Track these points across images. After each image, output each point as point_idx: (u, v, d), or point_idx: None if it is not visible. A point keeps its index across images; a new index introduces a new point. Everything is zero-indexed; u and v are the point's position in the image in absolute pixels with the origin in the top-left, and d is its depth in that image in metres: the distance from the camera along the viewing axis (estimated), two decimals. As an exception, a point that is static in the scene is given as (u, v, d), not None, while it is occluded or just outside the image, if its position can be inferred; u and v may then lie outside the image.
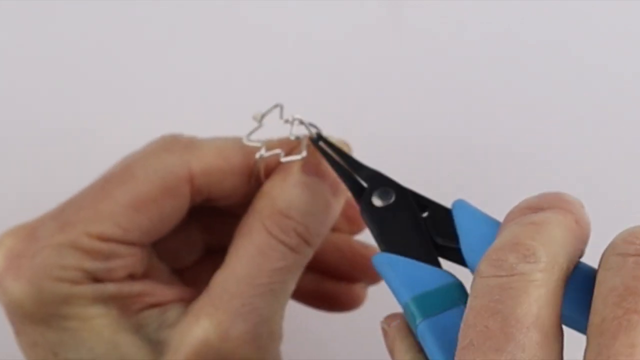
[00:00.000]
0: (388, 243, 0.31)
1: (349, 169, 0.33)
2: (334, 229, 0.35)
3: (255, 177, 0.33)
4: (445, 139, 0.43)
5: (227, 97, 0.43)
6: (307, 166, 0.32)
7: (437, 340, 0.28)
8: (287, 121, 0.32)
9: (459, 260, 0.30)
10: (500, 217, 0.29)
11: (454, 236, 0.31)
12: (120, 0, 0.43)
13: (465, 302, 0.27)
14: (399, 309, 0.30)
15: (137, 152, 0.32)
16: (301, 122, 0.33)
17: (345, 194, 0.33)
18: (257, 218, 0.31)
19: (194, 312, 0.30)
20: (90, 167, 0.34)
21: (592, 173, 0.43)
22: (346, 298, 0.37)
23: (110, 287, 0.30)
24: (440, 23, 0.44)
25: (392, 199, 0.32)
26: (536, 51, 0.43)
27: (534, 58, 0.44)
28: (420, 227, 0.31)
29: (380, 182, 0.32)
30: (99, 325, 0.30)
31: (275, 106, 0.33)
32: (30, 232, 0.31)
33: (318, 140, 0.33)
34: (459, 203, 0.31)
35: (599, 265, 0.25)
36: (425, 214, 0.32)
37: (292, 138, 0.33)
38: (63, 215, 0.31)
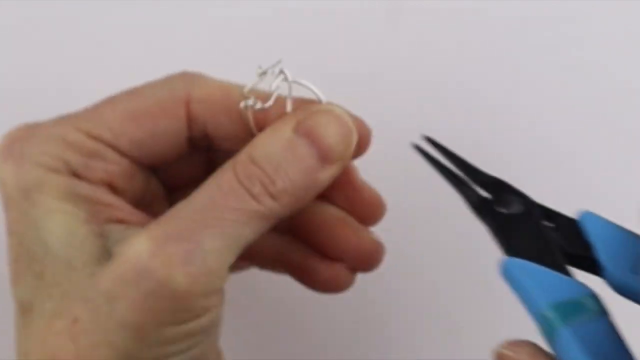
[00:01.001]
0: (516, 250, 0.31)
1: (462, 174, 0.34)
2: (331, 201, 0.35)
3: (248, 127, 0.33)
4: (444, 138, 0.43)
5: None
6: (302, 127, 0.31)
7: (583, 346, 0.28)
8: (263, 73, 0.32)
9: (591, 269, 0.31)
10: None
11: (586, 245, 0.31)
12: None
13: (604, 314, 0.28)
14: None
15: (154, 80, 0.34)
16: (282, 72, 0.32)
17: (339, 168, 0.32)
18: (231, 161, 0.31)
19: (140, 231, 0.30)
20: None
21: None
22: (328, 277, 0.36)
23: (83, 186, 0.31)
24: (440, 22, 0.44)
25: (517, 208, 0.32)
26: (536, 50, 0.43)
27: (534, 57, 0.44)
28: (548, 236, 0.32)
29: (502, 189, 0.33)
30: (62, 221, 0.31)
31: (279, 62, 0.32)
32: (31, 124, 0.32)
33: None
34: (587, 214, 0.32)
35: None
36: (551, 224, 0.32)
37: (274, 88, 0.32)
38: (65, 115, 0.33)
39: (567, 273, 0.31)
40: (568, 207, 0.33)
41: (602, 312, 0.29)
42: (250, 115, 0.33)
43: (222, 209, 0.30)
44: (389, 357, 0.44)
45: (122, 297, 0.29)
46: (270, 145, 0.31)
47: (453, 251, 0.43)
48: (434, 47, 0.44)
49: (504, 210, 0.32)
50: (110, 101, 0.33)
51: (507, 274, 0.31)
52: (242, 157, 0.31)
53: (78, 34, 0.44)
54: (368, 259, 0.36)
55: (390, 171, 0.43)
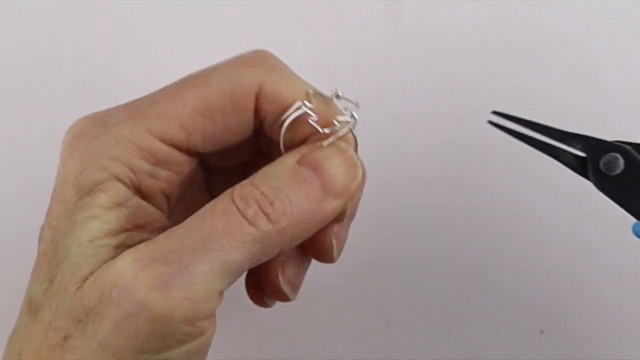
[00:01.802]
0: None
1: (546, 138, 0.32)
2: None
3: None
4: (445, 138, 0.43)
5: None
6: (306, 158, 0.31)
7: None
8: (336, 97, 0.32)
9: None
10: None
11: None
12: None
13: None
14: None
15: (222, 62, 0.32)
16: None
17: (344, 201, 0.31)
18: (231, 189, 0.30)
19: (130, 251, 0.29)
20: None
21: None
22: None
23: (136, 200, 0.30)
24: (439, 22, 0.44)
25: (621, 164, 0.31)
26: (537, 50, 0.43)
27: (535, 57, 0.44)
28: None
29: (599, 147, 0.32)
30: (92, 228, 0.29)
31: (357, 105, 0.32)
32: (100, 117, 0.31)
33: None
34: None
35: None
36: None
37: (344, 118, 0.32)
38: (135, 105, 0.31)
39: None
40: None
41: None
42: (282, 133, 0.32)
43: (212, 232, 0.29)
44: (389, 357, 0.44)
45: (104, 317, 0.28)
46: (272, 171, 0.30)
47: (453, 251, 0.43)
48: (434, 47, 0.43)
49: (611, 172, 0.31)
50: (180, 92, 0.31)
51: None
52: (243, 182, 0.30)
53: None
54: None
55: (392, 171, 0.43)
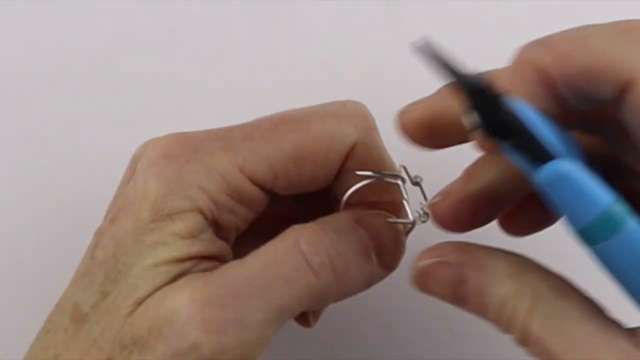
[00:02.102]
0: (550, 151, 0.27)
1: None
2: None
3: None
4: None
5: (224, 98, 0.43)
6: (362, 220, 0.31)
7: None
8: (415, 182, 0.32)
9: None
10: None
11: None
12: None
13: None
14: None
15: (321, 106, 0.32)
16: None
17: (385, 273, 0.32)
18: (295, 228, 0.30)
19: (188, 280, 0.29)
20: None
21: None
22: None
23: (208, 234, 0.30)
24: (440, 22, 0.44)
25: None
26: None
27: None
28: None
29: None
30: (158, 254, 0.29)
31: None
32: (192, 140, 0.31)
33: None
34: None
35: None
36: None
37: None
38: (229, 136, 0.31)
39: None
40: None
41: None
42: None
43: (272, 279, 0.29)
44: (389, 356, 0.44)
45: (152, 350, 0.28)
46: (332, 224, 0.31)
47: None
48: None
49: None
50: (277, 133, 0.31)
51: (563, 178, 0.27)
52: (307, 225, 0.30)
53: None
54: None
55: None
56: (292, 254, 0.30)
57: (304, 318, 0.35)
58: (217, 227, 0.31)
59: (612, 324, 0.26)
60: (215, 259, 0.31)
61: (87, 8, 0.44)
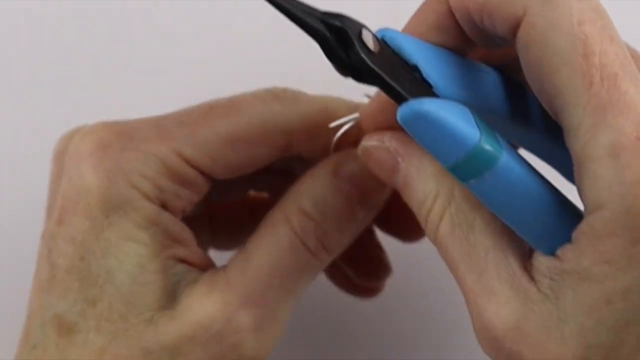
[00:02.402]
0: (407, 90, 0.26)
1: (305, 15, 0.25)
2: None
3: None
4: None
5: (223, 92, 0.43)
6: (340, 170, 0.31)
7: (523, 166, 0.26)
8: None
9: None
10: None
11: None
12: None
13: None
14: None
15: (247, 94, 0.32)
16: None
17: (378, 208, 0.32)
18: (282, 213, 0.31)
19: (208, 283, 0.30)
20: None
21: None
22: (365, 289, 0.38)
23: (166, 217, 0.30)
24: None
25: (374, 42, 0.26)
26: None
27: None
28: (402, 61, 0.27)
29: (353, 24, 0.26)
30: (134, 252, 0.29)
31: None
32: (125, 129, 0.30)
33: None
34: (386, 31, 0.27)
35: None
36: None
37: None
38: (163, 123, 0.31)
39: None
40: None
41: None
42: (334, 139, 0.32)
43: (287, 270, 0.30)
44: (389, 357, 0.44)
45: (188, 354, 0.29)
46: (316, 194, 0.31)
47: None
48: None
49: (368, 44, 0.26)
50: (209, 118, 0.31)
51: (424, 120, 0.25)
52: (292, 207, 0.31)
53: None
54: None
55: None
56: (295, 244, 0.30)
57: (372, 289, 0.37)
58: (165, 209, 0.31)
59: (518, 248, 0.26)
60: (185, 242, 0.31)
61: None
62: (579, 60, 0.23)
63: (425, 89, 0.27)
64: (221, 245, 0.38)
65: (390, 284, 0.41)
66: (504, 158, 0.25)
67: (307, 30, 0.25)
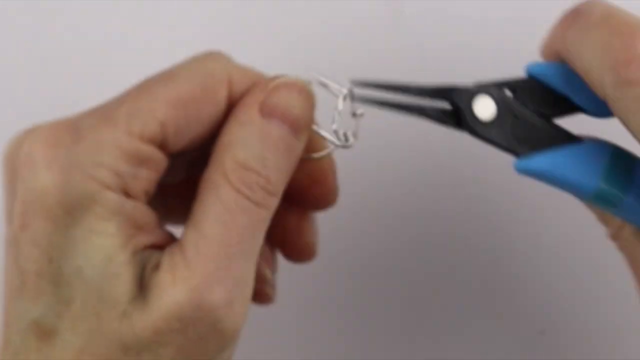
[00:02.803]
0: (526, 145, 0.31)
1: (412, 99, 0.32)
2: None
3: None
4: (443, 138, 0.43)
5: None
6: (267, 108, 0.31)
7: None
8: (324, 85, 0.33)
9: (570, 112, 0.31)
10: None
11: (556, 96, 0.31)
12: None
13: (630, 159, 0.29)
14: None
15: (180, 61, 0.31)
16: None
17: (307, 130, 0.32)
18: (220, 171, 0.30)
19: (170, 272, 0.29)
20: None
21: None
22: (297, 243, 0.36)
23: (128, 204, 0.29)
24: (440, 21, 0.44)
25: (493, 106, 0.31)
26: (537, 50, 0.43)
27: (535, 56, 0.44)
28: (529, 115, 0.31)
29: (466, 95, 0.32)
30: (101, 245, 0.28)
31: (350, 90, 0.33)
32: (70, 124, 0.29)
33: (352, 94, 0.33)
34: (534, 65, 0.32)
35: None
36: (510, 94, 0.31)
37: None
38: (104, 108, 0.30)
39: (573, 137, 0.31)
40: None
41: (628, 154, 0.30)
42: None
43: (241, 232, 0.29)
44: (389, 357, 0.44)
45: (167, 345, 0.28)
46: (248, 140, 0.30)
47: (452, 251, 0.43)
48: (434, 47, 0.44)
49: (485, 117, 0.31)
50: (147, 88, 0.30)
51: (538, 174, 0.30)
52: (228, 163, 0.30)
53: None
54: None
55: (390, 170, 0.43)
56: (240, 201, 0.30)
57: (264, 295, 0.36)
58: (127, 196, 0.30)
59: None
60: (149, 227, 0.30)
61: None
62: None
63: (560, 131, 0.31)
64: (177, 221, 0.38)
65: (390, 284, 0.41)
66: (629, 199, 0.29)
67: (423, 116, 0.31)
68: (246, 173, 0.30)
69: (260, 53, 0.44)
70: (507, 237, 0.43)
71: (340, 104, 0.33)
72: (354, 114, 0.33)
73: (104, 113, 0.30)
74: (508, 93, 0.31)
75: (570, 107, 0.31)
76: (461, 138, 0.43)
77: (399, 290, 0.44)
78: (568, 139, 0.31)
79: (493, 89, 0.31)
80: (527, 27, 0.44)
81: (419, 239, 0.44)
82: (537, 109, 0.31)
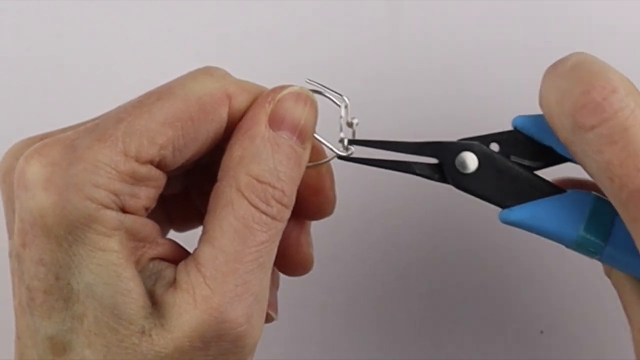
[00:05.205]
0: (508, 197, 0.32)
1: (400, 155, 0.33)
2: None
3: None
4: (443, 138, 0.43)
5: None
6: (274, 119, 0.31)
7: (629, 250, 0.29)
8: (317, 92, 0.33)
9: (553, 162, 0.32)
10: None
11: (540, 147, 0.32)
12: None
13: (611, 208, 0.29)
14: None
15: (175, 78, 0.31)
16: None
17: (312, 140, 0.32)
18: (234, 187, 0.30)
19: (189, 291, 0.29)
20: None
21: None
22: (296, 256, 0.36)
23: (129, 220, 0.29)
24: (440, 20, 0.44)
25: (474, 160, 0.32)
26: (536, 50, 0.43)
27: (535, 57, 0.44)
28: (513, 167, 0.32)
29: (448, 150, 0.33)
30: (107, 262, 0.29)
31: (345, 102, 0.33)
32: (67, 143, 0.29)
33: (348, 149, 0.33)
34: (519, 119, 0.32)
35: None
36: (497, 147, 0.32)
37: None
38: (101, 126, 0.30)
39: (556, 188, 0.32)
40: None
41: (609, 203, 0.30)
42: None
43: (257, 247, 0.30)
44: (389, 357, 0.44)
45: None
46: (260, 154, 0.30)
47: (452, 251, 0.43)
48: (435, 47, 0.43)
49: (466, 170, 0.32)
50: (144, 107, 0.30)
51: (520, 224, 0.31)
52: (242, 177, 0.30)
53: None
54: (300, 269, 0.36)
55: (390, 172, 0.43)
56: (256, 216, 0.30)
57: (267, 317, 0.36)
58: (126, 212, 0.30)
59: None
60: (150, 238, 0.31)
61: None
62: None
63: (543, 182, 0.32)
64: (180, 228, 0.38)
65: (392, 284, 0.41)
66: (609, 248, 0.31)
67: (411, 172, 0.33)
68: (261, 187, 0.30)
69: (260, 53, 0.44)
70: (507, 237, 0.42)
71: (343, 113, 0.33)
72: (349, 124, 0.33)
73: (101, 132, 0.29)
74: (494, 146, 0.32)
75: (555, 158, 0.32)
76: (462, 135, 0.43)
77: (399, 290, 0.44)
78: (551, 190, 0.32)
79: (477, 144, 0.32)
80: (527, 25, 0.44)
81: (418, 240, 0.44)
82: (522, 161, 0.32)
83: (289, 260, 0.35)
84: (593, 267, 0.42)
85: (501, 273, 0.43)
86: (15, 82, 0.44)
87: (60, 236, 0.28)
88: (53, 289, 0.29)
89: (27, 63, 0.44)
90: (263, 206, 0.30)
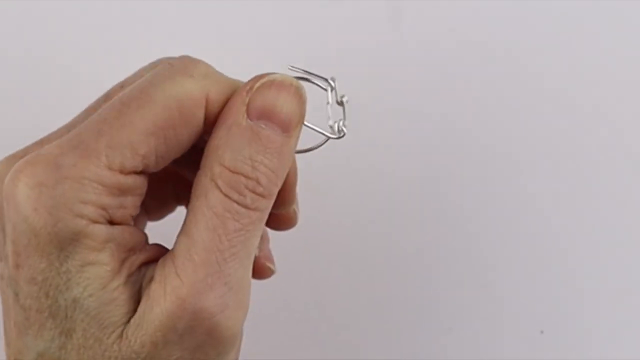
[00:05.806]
0: None
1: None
2: None
3: None
4: (443, 138, 0.43)
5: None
6: (253, 110, 0.30)
7: None
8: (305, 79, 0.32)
9: None
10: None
11: None
12: None
13: None
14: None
15: (153, 75, 0.31)
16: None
17: (300, 128, 0.31)
18: (208, 176, 0.30)
19: (161, 282, 0.29)
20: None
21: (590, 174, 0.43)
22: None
23: (117, 231, 0.30)
24: (440, 20, 0.44)
25: None
26: (536, 50, 0.43)
27: (535, 57, 0.44)
28: None
29: None
30: (95, 275, 0.29)
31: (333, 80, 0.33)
32: (51, 160, 0.29)
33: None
34: None
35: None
36: None
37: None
38: (82, 141, 0.30)
39: None
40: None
41: None
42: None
43: (229, 237, 0.29)
44: (389, 356, 0.44)
45: (166, 356, 0.29)
46: (235, 143, 0.30)
47: (452, 250, 0.43)
48: (435, 47, 0.44)
49: None
50: (125, 116, 0.30)
51: None
52: (216, 167, 0.30)
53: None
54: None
55: (390, 170, 0.43)
56: (228, 206, 0.30)
57: (265, 269, 0.36)
58: (114, 224, 0.30)
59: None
60: (139, 247, 0.31)
61: None
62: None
63: None
64: (154, 218, 0.38)
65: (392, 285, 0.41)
66: None
67: None
68: (234, 177, 0.30)
69: (260, 53, 0.44)
70: (507, 237, 0.43)
71: (330, 97, 0.32)
72: (339, 102, 0.32)
73: (83, 147, 0.29)
74: None
75: None
76: (462, 135, 0.43)
77: (399, 289, 0.44)
78: None
79: None
80: (527, 25, 0.44)
81: (417, 238, 0.44)
82: None
83: (274, 216, 0.35)
84: (593, 267, 0.42)
85: (501, 273, 0.43)
86: (15, 82, 0.45)
87: (53, 254, 0.29)
88: (43, 307, 0.29)
89: (27, 63, 0.44)
90: (235, 195, 0.30)
